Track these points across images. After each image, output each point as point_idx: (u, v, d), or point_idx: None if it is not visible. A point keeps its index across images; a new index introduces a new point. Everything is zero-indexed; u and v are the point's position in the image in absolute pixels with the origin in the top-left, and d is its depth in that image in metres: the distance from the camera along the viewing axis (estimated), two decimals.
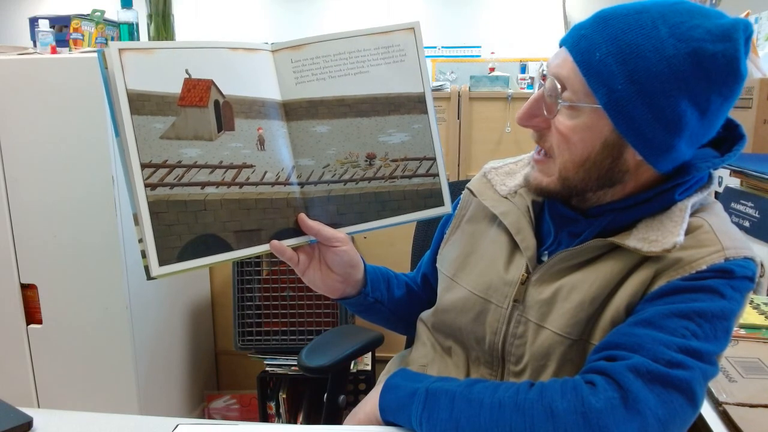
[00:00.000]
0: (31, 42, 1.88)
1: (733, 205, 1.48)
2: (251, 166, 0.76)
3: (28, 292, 1.71)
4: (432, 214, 0.86)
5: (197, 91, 0.73)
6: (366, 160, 0.83)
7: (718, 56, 0.64)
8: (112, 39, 1.85)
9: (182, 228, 0.73)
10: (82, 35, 1.77)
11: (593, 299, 0.73)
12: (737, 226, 1.41)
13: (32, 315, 1.73)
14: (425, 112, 0.85)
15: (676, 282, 0.69)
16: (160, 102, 0.71)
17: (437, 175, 0.85)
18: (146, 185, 0.70)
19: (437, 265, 0.94)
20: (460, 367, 0.86)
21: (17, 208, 1.65)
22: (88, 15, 1.80)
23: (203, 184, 0.74)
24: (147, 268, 0.71)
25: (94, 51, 1.62)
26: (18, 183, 1.64)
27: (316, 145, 0.81)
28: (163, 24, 1.86)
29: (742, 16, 1.87)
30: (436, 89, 2.16)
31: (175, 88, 0.72)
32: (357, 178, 0.82)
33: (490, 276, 0.84)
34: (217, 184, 0.75)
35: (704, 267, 0.69)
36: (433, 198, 0.85)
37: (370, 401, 0.77)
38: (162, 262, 0.71)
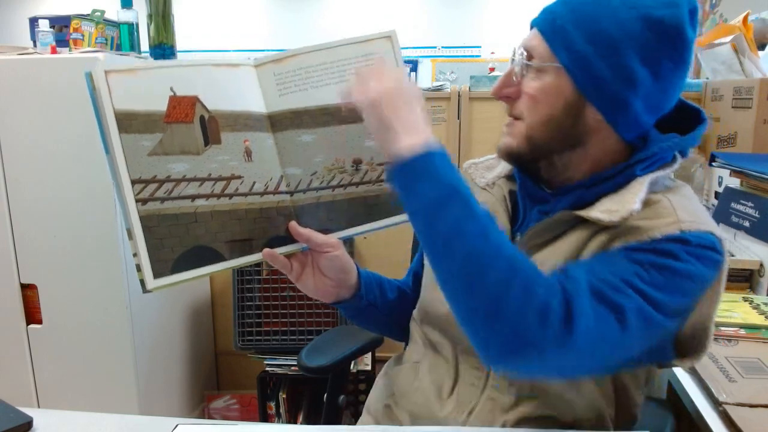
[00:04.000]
0: (31, 42, 1.88)
1: (733, 205, 1.48)
2: (239, 177, 0.78)
3: (28, 292, 1.71)
4: None
5: (182, 107, 0.75)
6: (352, 166, 0.84)
7: (665, 19, 0.71)
8: (112, 39, 1.85)
9: (174, 241, 0.75)
10: (82, 35, 1.77)
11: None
12: (737, 226, 1.42)
13: (32, 315, 1.73)
14: None
15: (631, 244, 0.72)
16: (147, 120, 0.73)
17: None
18: (137, 200, 0.73)
19: (425, 261, 0.95)
20: (449, 361, 0.87)
21: (17, 208, 1.65)
22: (88, 15, 1.80)
23: (193, 197, 0.76)
24: (142, 282, 0.73)
25: (94, 51, 1.62)
26: (18, 183, 1.64)
27: (303, 154, 0.82)
28: (163, 24, 1.86)
29: (742, 16, 1.87)
30: (436, 89, 2.16)
31: (161, 106, 0.74)
32: (345, 183, 0.84)
33: None
34: (207, 196, 0.77)
35: (659, 236, 0.71)
36: None
37: (417, 137, 0.69)
38: (156, 275, 0.73)
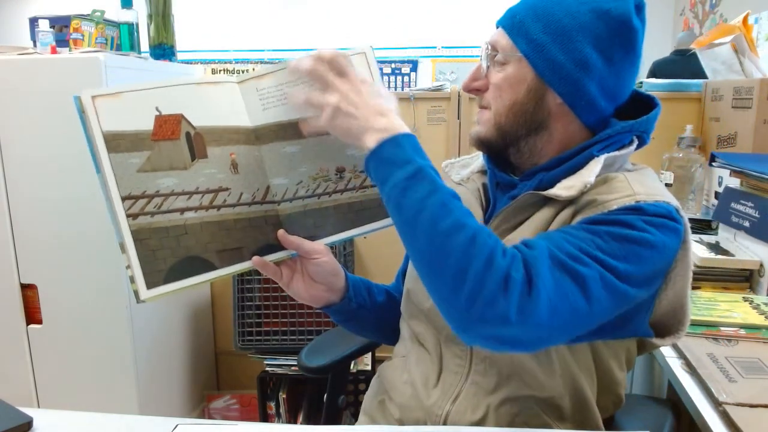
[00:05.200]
0: (31, 42, 1.88)
1: (733, 205, 1.48)
2: (227, 189, 0.81)
3: (28, 292, 1.71)
4: None
5: (168, 125, 0.78)
6: (336, 174, 0.87)
7: (612, 10, 0.79)
8: (112, 39, 1.85)
9: (166, 252, 0.78)
10: (82, 35, 1.77)
11: None
12: (737, 226, 1.42)
13: (32, 315, 1.73)
14: None
15: (590, 217, 0.76)
16: (135, 139, 0.76)
17: None
18: (128, 215, 0.75)
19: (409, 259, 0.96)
20: (432, 352, 0.89)
21: (17, 208, 1.65)
22: (88, 15, 1.80)
23: (182, 210, 0.79)
24: (136, 293, 0.76)
25: (94, 51, 1.62)
26: (18, 183, 1.64)
27: (289, 165, 0.84)
28: (163, 24, 1.86)
29: (742, 16, 1.87)
30: (436, 89, 2.16)
31: (148, 125, 0.77)
32: (330, 191, 0.87)
33: None
34: (196, 209, 0.79)
35: (615, 207, 0.76)
36: None
37: (387, 128, 0.73)
38: (149, 286, 0.76)
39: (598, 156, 0.81)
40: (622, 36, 0.80)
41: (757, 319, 1.14)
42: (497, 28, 0.86)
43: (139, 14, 1.88)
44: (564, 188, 0.79)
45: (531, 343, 0.69)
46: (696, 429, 0.89)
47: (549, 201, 0.81)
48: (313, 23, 6.34)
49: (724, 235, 1.52)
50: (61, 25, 1.84)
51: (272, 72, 0.84)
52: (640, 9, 0.82)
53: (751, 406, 0.85)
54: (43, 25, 1.73)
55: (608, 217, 0.75)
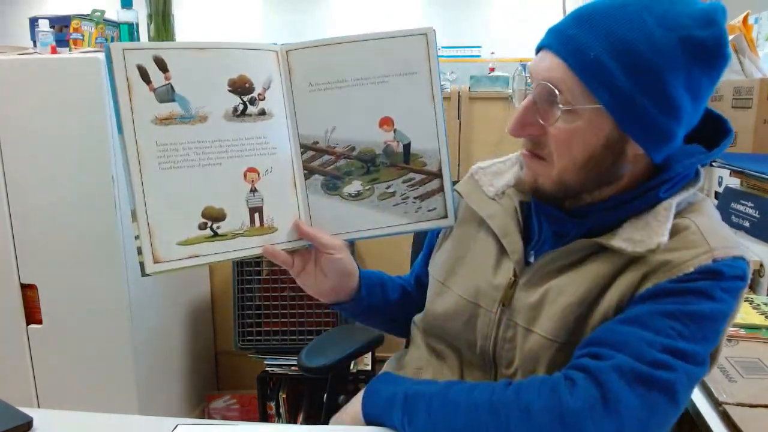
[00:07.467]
0: (31, 42, 1.88)
1: (733, 205, 1.48)
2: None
3: (28, 292, 1.71)
4: (433, 225, 0.87)
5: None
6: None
7: (708, 41, 0.65)
8: (112, 39, 1.85)
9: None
10: (82, 35, 1.77)
11: (581, 301, 0.72)
12: (737, 226, 1.42)
13: (32, 315, 1.73)
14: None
15: (664, 284, 0.68)
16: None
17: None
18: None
19: (429, 269, 0.94)
20: (454, 370, 0.86)
21: (17, 208, 1.65)
22: (88, 15, 1.80)
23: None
24: (142, 265, 0.74)
25: (94, 51, 1.62)
26: (18, 183, 1.63)
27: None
28: (163, 24, 1.86)
29: (742, 16, 1.86)
30: None
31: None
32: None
33: (478, 280, 0.83)
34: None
35: (692, 269, 0.67)
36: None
37: (354, 405, 0.78)
38: (156, 260, 0.75)
39: (665, 199, 0.71)
40: (713, 68, 0.67)
41: (757, 319, 1.14)
42: (545, 51, 0.70)
43: (139, 14, 1.88)
44: (630, 242, 0.69)
45: None
46: (696, 429, 0.89)
47: (606, 248, 0.71)
48: (313, 23, 6.34)
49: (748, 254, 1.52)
50: (61, 25, 1.84)
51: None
52: (725, 23, 0.69)
53: (751, 406, 0.85)
54: (43, 25, 1.73)
55: (685, 285, 0.67)
